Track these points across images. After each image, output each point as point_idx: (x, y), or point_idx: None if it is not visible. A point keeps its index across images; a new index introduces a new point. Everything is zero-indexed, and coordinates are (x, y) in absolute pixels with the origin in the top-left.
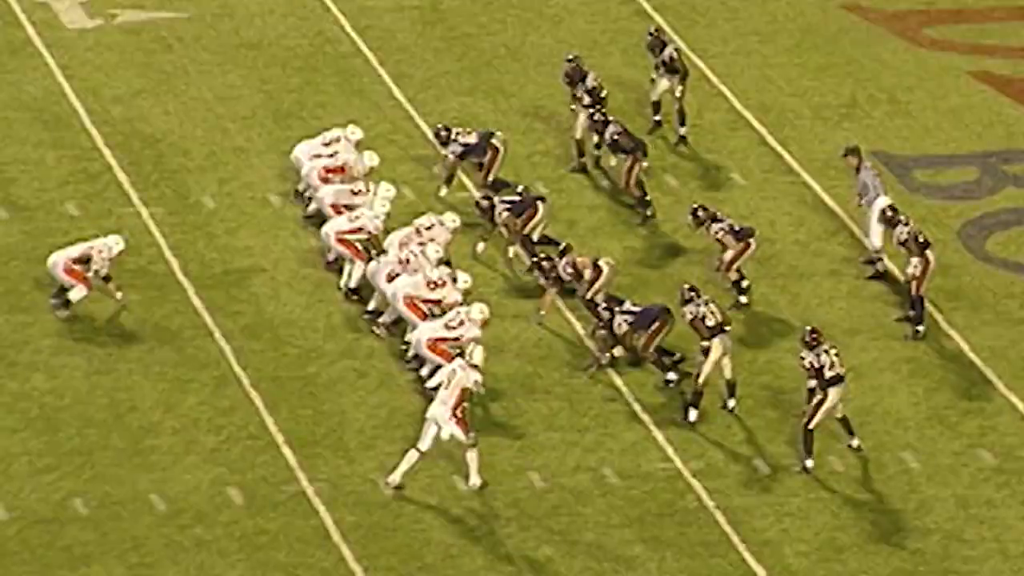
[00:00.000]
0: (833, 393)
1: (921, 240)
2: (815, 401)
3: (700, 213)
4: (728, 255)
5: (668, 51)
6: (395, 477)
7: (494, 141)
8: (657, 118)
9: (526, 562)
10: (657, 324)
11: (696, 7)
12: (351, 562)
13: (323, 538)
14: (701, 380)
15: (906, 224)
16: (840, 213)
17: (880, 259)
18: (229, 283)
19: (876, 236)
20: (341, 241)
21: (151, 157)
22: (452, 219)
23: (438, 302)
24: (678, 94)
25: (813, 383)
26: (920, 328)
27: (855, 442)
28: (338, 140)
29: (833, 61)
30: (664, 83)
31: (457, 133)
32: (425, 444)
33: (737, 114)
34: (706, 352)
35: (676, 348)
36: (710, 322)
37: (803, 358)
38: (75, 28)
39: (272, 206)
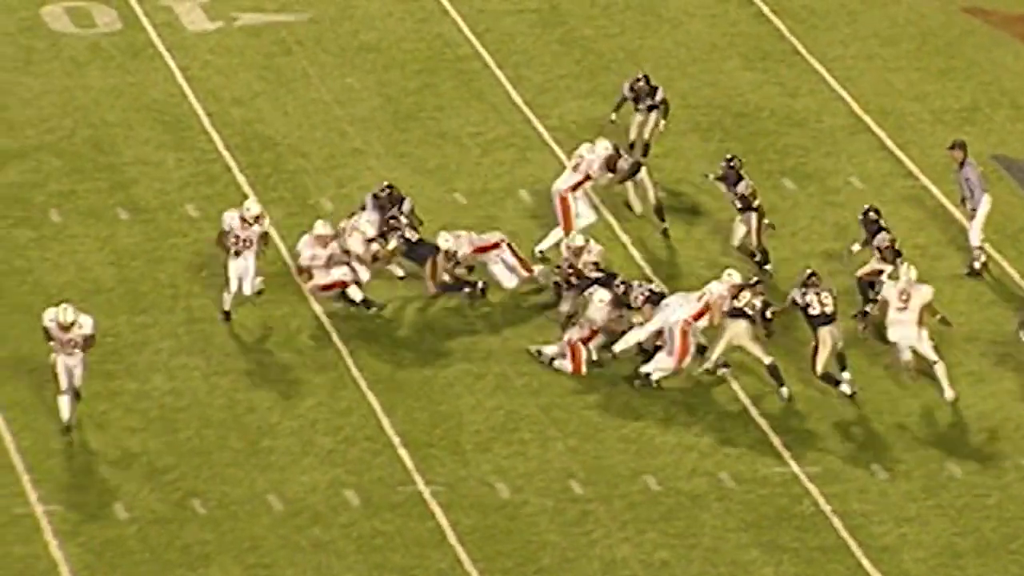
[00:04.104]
0: None
1: (896, 248)
2: None
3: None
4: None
5: (660, 94)
6: (949, 393)
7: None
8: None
9: (642, 566)
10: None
11: (816, 11)
12: (467, 564)
13: (439, 540)
14: (819, 370)
15: (888, 232)
16: (959, 218)
17: (979, 256)
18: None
19: (976, 233)
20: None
21: (270, 159)
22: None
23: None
24: (656, 125)
25: None
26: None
27: None
28: (581, 158)
29: (954, 65)
30: (639, 118)
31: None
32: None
33: (856, 118)
34: (817, 344)
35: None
36: (813, 311)
37: None
38: (196, 30)
39: None
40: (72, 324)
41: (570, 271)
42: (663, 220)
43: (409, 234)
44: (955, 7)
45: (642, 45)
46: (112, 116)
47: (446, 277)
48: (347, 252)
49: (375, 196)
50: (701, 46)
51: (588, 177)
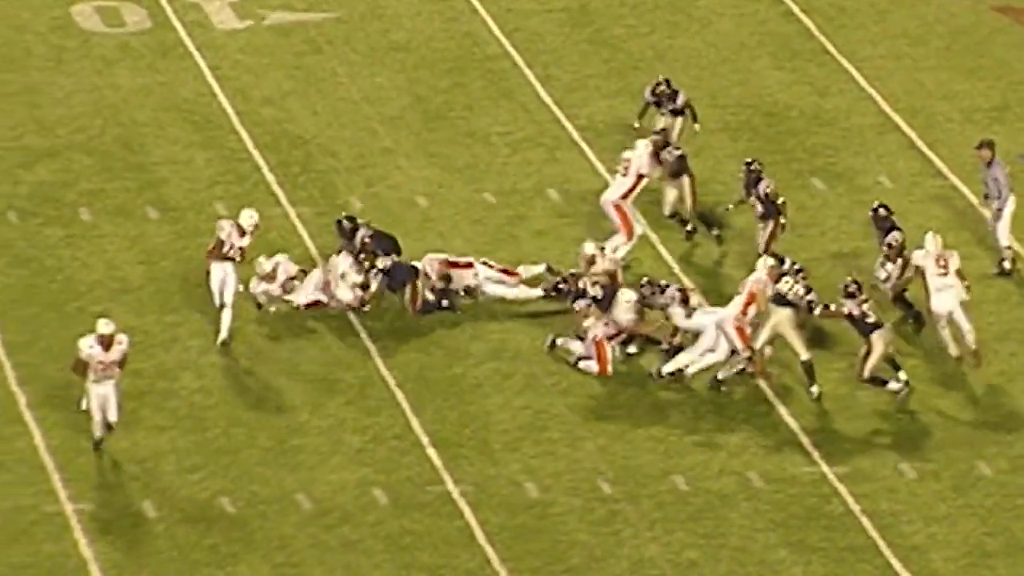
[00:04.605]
0: None
1: (901, 248)
2: None
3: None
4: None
5: (681, 98)
6: (972, 345)
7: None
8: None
9: (670, 565)
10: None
11: (845, 9)
12: (496, 564)
13: (468, 539)
14: (867, 375)
15: (900, 230)
16: (989, 217)
17: (1008, 256)
18: None
19: (1004, 234)
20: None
21: (299, 158)
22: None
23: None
24: (683, 130)
25: None
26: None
27: None
28: (628, 161)
29: (984, 64)
30: (663, 122)
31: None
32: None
33: (886, 117)
34: (869, 349)
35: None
36: (871, 319)
37: None
38: (225, 29)
39: (419, 207)
40: (113, 337)
41: (560, 278)
42: (692, 220)
43: (382, 264)
44: (985, 6)
45: (671, 44)
46: (142, 115)
47: (429, 295)
48: (339, 301)
49: (340, 230)
50: (730, 45)
51: (641, 177)
